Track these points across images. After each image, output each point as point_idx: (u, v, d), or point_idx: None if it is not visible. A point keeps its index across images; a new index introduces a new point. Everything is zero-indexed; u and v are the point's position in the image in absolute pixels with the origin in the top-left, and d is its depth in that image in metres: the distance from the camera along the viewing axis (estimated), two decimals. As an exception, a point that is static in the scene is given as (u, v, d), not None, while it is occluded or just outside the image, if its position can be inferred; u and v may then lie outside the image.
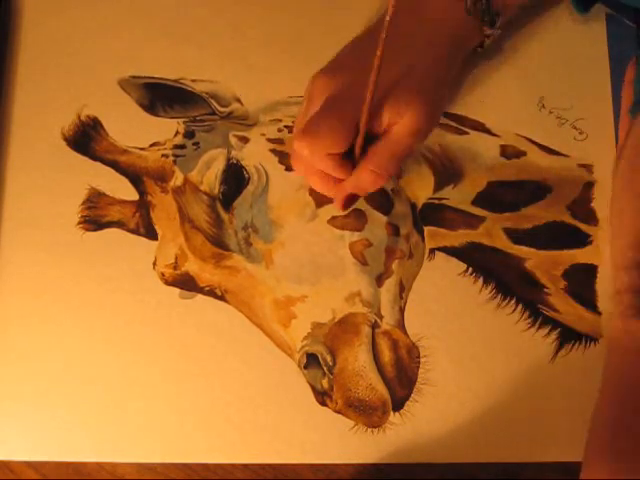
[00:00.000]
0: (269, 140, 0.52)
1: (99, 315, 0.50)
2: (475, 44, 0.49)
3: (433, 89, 0.44)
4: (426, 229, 0.51)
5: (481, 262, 0.51)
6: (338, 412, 0.48)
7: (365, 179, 0.43)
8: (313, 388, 0.49)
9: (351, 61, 0.45)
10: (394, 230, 0.50)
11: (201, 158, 0.52)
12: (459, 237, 0.51)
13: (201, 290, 0.51)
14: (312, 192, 0.50)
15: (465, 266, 0.51)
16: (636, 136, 0.47)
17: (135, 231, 0.52)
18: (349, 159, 0.44)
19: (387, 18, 0.35)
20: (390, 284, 0.49)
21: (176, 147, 0.53)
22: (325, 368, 0.48)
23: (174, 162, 0.52)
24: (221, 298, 0.50)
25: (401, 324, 0.49)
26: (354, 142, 0.43)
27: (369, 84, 0.38)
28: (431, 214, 0.52)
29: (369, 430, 0.48)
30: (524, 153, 0.52)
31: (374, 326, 0.48)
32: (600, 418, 0.44)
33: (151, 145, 0.53)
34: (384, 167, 0.43)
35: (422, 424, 0.48)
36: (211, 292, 0.51)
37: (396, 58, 0.42)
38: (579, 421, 0.48)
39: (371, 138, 0.43)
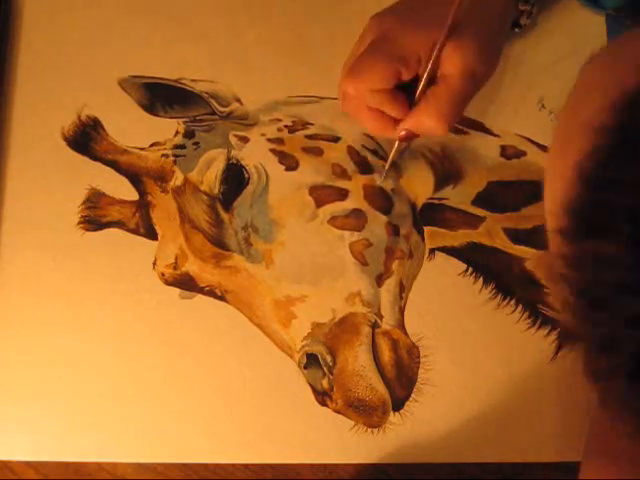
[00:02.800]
0: (269, 140, 0.52)
1: (99, 315, 0.50)
2: (512, 19, 0.50)
3: (487, 37, 0.44)
4: (426, 229, 0.51)
5: (481, 262, 0.51)
6: (338, 412, 0.48)
7: (425, 122, 0.44)
8: (313, 388, 0.49)
9: (406, 8, 0.46)
10: (394, 230, 0.50)
11: (201, 158, 0.52)
12: (459, 237, 0.51)
13: (201, 290, 0.51)
14: (312, 192, 0.50)
15: (465, 266, 0.51)
16: None
17: (135, 231, 0.52)
18: (404, 97, 0.44)
19: None
20: (390, 284, 0.49)
21: (176, 147, 0.53)
22: (325, 368, 0.48)
23: (174, 162, 0.52)
24: (221, 298, 0.50)
25: (401, 324, 0.49)
26: (402, 81, 0.43)
27: (446, 23, 0.40)
28: (431, 214, 0.52)
29: (369, 430, 0.48)
30: (524, 153, 0.52)
31: (374, 326, 0.48)
32: (598, 417, 0.44)
33: (151, 145, 0.53)
34: (444, 111, 0.43)
35: (422, 424, 0.48)
36: (211, 292, 0.51)
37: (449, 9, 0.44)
38: (579, 421, 0.48)
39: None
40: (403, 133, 0.45)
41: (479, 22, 0.45)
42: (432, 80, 0.44)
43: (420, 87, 0.44)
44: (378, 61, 0.43)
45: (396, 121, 0.45)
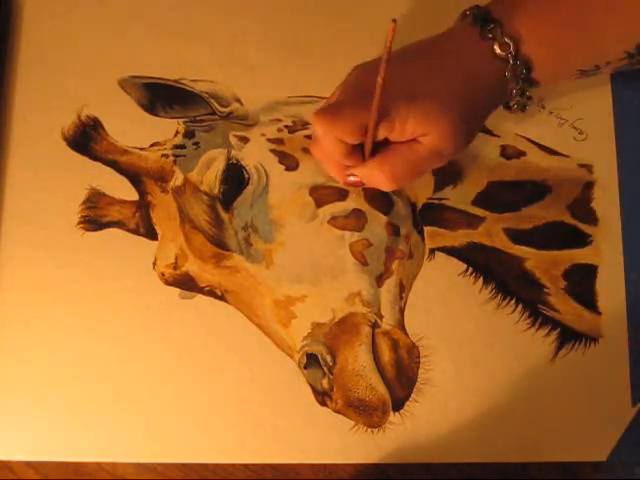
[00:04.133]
0: (269, 140, 0.52)
1: (99, 315, 0.50)
2: (502, 103, 0.46)
3: (465, 119, 0.42)
4: (426, 229, 0.51)
5: (481, 262, 0.51)
6: (338, 412, 0.48)
7: (375, 176, 0.43)
8: (313, 388, 0.49)
9: (392, 64, 0.44)
10: (394, 230, 0.50)
11: (201, 158, 0.52)
12: (459, 237, 0.51)
13: (201, 290, 0.51)
14: (312, 192, 0.50)
15: (465, 266, 0.51)
16: None
17: (135, 231, 0.52)
18: (360, 152, 0.43)
19: (388, 43, 0.35)
20: (390, 284, 0.49)
21: (176, 147, 0.53)
22: (325, 368, 0.48)
23: (174, 162, 0.52)
24: (221, 298, 0.51)
25: (401, 324, 0.49)
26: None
27: (376, 86, 0.38)
28: (431, 214, 0.52)
29: (369, 430, 0.48)
30: (524, 153, 0.52)
31: (374, 326, 0.48)
32: None
33: (151, 145, 0.53)
34: (397, 173, 0.42)
35: (422, 424, 0.48)
36: (211, 292, 0.51)
37: (440, 79, 0.42)
38: (579, 421, 0.48)
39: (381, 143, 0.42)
40: (352, 179, 0.44)
41: (467, 102, 0.42)
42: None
43: (367, 146, 0.42)
44: (355, 115, 0.41)
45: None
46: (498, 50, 0.43)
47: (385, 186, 0.43)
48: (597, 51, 0.44)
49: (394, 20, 0.34)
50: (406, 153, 0.42)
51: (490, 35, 0.43)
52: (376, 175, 0.43)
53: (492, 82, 0.43)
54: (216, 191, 0.51)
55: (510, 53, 0.43)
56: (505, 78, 0.43)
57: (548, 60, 0.44)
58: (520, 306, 0.50)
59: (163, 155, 0.53)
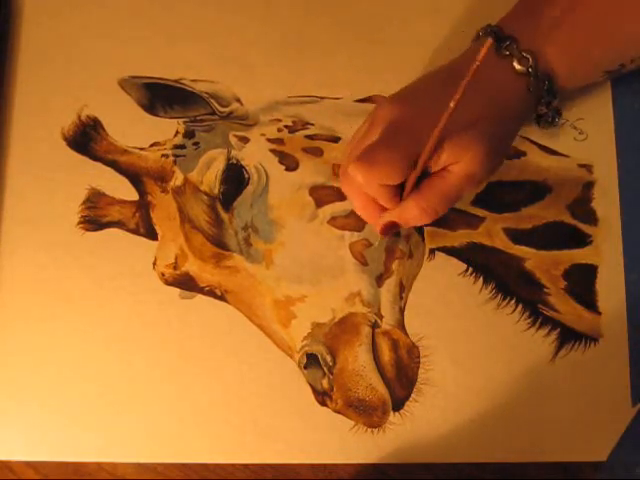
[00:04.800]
0: (269, 140, 0.52)
1: (99, 315, 0.50)
2: (529, 120, 0.47)
3: (495, 140, 0.43)
4: (426, 229, 0.51)
5: (481, 262, 0.51)
6: (338, 412, 0.48)
7: (411, 212, 0.43)
8: (313, 388, 0.49)
9: (421, 94, 0.44)
10: (394, 230, 0.50)
11: (201, 158, 0.52)
12: (459, 237, 0.51)
13: (201, 290, 0.51)
14: (312, 192, 0.50)
15: (465, 266, 0.51)
16: None
17: (135, 231, 0.52)
18: (398, 190, 0.43)
19: (475, 64, 0.34)
20: (390, 284, 0.49)
21: (176, 147, 0.53)
22: (325, 368, 0.48)
23: (174, 162, 0.52)
24: (221, 298, 0.51)
25: (401, 324, 0.49)
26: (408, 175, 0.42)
27: (439, 123, 0.38)
28: (431, 214, 0.52)
29: (369, 430, 0.48)
30: (524, 153, 0.52)
31: (374, 326, 0.48)
32: None
33: (151, 145, 0.53)
34: (433, 205, 0.42)
35: (422, 424, 0.48)
36: (211, 292, 0.51)
37: (465, 104, 0.41)
38: (579, 421, 0.48)
39: (423, 174, 0.43)
40: (382, 226, 0.45)
41: (495, 122, 0.42)
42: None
43: (410, 184, 0.42)
44: (394, 157, 0.41)
45: (384, 209, 0.45)
46: (517, 66, 0.43)
47: (422, 221, 0.43)
48: (619, 51, 0.44)
49: (489, 37, 0.33)
50: (440, 184, 0.42)
51: (507, 52, 0.43)
52: (412, 211, 0.43)
53: (517, 98, 0.43)
54: (216, 191, 0.51)
55: (530, 67, 0.42)
56: (529, 93, 0.43)
57: (570, 68, 0.44)
58: (520, 306, 0.50)
59: (163, 155, 0.53)
